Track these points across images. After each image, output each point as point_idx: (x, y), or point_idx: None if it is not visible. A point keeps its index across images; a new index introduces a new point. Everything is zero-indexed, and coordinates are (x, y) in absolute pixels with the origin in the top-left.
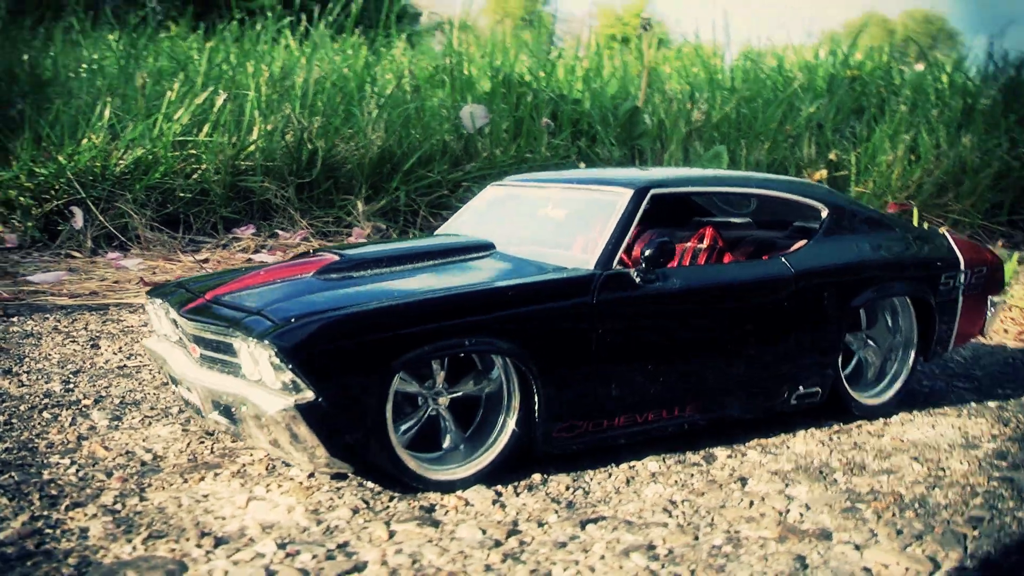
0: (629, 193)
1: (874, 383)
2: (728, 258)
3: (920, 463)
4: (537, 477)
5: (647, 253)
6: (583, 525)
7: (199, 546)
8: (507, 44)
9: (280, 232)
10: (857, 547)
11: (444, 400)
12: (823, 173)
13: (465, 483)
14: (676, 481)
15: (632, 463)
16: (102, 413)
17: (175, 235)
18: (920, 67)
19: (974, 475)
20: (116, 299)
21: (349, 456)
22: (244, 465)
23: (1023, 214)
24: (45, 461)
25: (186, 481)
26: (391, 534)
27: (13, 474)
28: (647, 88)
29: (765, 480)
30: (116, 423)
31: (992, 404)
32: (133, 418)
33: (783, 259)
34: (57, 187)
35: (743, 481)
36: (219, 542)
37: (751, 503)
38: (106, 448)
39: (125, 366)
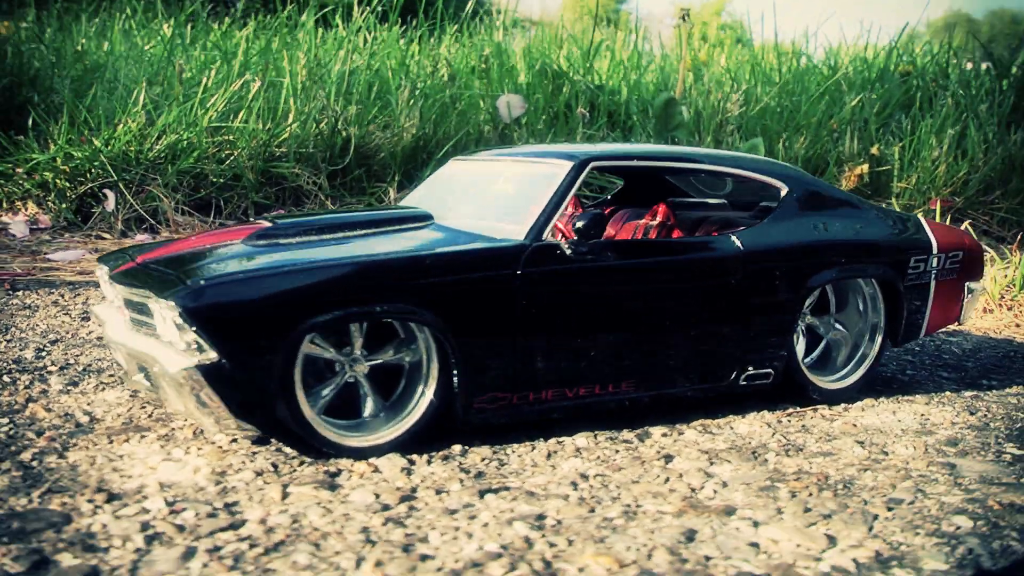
0: (568, 165)
1: (837, 367)
2: (677, 234)
3: (863, 447)
4: (457, 448)
5: (578, 225)
6: (482, 494)
7: (91, 501)
8: (555, 36)
9: None
10: (756, 523)
11: (362, 367)
12: (864, 168)
13: (379, 450)
14: (599, 457)
15: (561, 438)
16: (60, 379)
17: (206, 219)
18: (972, 66)
19: (915, 460)
20: None
21: (254, 419)
22: (174, 429)
23: None
24: None
25: (111, 442)
26: (284, 496)
27: None
28: (684, 80)
29: (692, 458)
30: (70, 388)
31: (968, 394)
32: (88, 384)
33: (732, 237)
34: (92, 170)
35: (668, 458)
36: (112, 498)
37: (667, 479)
38: (47, 410)
39: (103, 337)
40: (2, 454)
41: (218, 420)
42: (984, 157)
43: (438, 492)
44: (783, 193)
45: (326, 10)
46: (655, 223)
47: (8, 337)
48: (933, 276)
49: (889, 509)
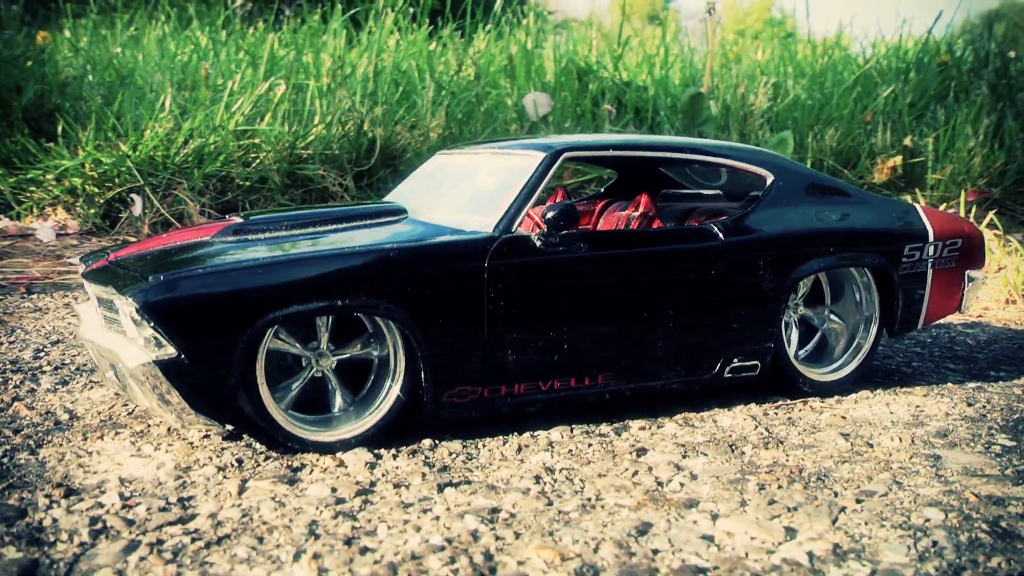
0: (541, 156)
1: (834, 359)
2: (657, 225)
3: (847, 439)
4: (427, 442)
5: (549, 216)
6: (441, 488)
7: (48, 496)
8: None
9: None
10: (715, 516)
11: (329, 362)
12: (897, 160)
13: (345, 445)
14: (570, 450)
15: (536, 431)
16: (52, 378)
17: None
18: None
19: (899, 452)
20: None
21: (215, 414)
22: (150, 426)
23: None
24: None
25: (85, 439)
26: (241, 490)
27: None
28: (712, 75)
29: (666, 451)
30: (58, 387)
31: (971, 385)
32: (77, 383)
33: (714, 227)
34: (119, 175)
35: (642, 452)
36: (70, 493)
37: (635, 473)
38: (30, 408)
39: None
40: None
41: (180, 416)
42: (1022, 147)
43: (397, 486)
44: (769, 182)
45: (355, 10)
46: (637, 214)
47: (12, 338)
48: (930, 264)
49: (859, 502)
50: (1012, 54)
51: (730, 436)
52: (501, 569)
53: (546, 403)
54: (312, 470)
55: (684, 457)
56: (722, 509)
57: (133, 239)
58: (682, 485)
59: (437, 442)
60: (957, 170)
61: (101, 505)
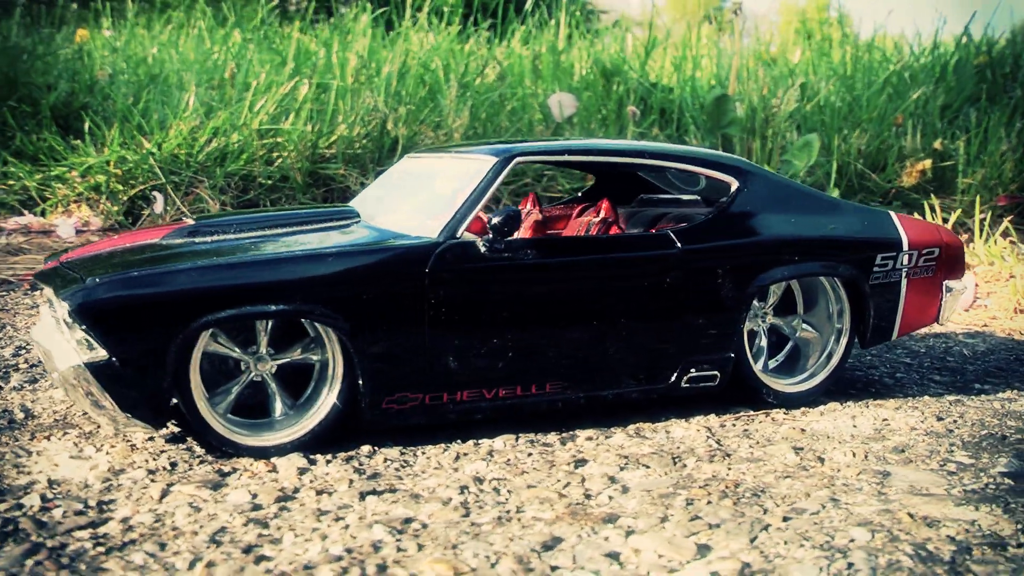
0: (492, 161)
1: (806, 370)
2: (614, 231)
3: (798, 454)
4: (366, 448)
5: (493, 222)
6: (364, 496)
7: None
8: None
9: None
10: (630, 532)
11: (268, 366)
12: (926, 163)
13: (280, 450)
14: (509, 460)
15: (481, 439)
16: (21, 377)
17: None
18: None
19: (848, 468)
20: None
21: (147, 418)
22: (99, 427)
23: None
24: None
25: (33, 438)
26: (164, 495)
27: None
28: (737, 76)
29: (606, 463)
30: (24, 386)
31: (949, 398)
32: (44, 383)
33: (670, 234)
34: (143, 173)
35: (581, 463)
36: None
37: (566, 485)
38: None
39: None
40: None
41: (115, 419)
42: None
43: (320, 493)
44: (733, 188)
45: (383, 9)
46: (597, 220)
47: (0, 335)
48: (904, 274)
49: (786, 519)
50: None
51: (678, 448)
52: None
53: (492, 411)
54: (241, 475)
55: (622, 469)
56: (640, 525)
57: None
58: (610, 499)
59: (376, 449)
60: (989, 174)
61: (20, 507)
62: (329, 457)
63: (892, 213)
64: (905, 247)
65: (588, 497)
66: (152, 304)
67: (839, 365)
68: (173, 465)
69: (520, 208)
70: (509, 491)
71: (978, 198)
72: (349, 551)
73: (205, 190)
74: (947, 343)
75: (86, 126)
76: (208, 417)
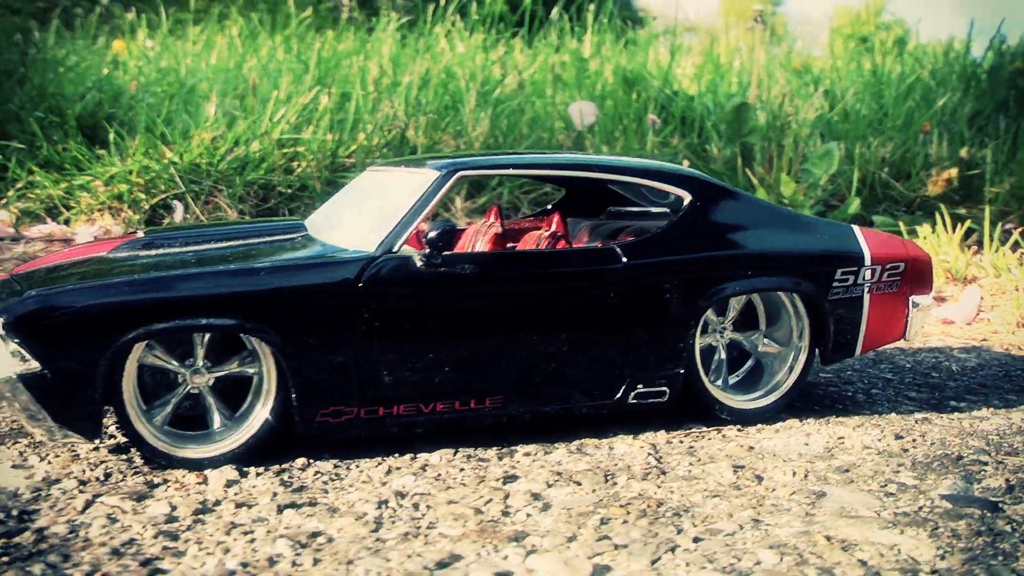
0: (435, 175)
1: (764, 386)
2: (561, 245)
3: (737, 472)
4: (301, 461)
5: (429, 236)
6: (282, 510)
7: None
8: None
9: None
10: (531, 552)
11: (204, 379)
12: (952, 172)
13: (213, 462)
14: (439, 475)
15: (419, 454)
16: None
17: None
18: None
19: (784, 487)
20: None
21: (80, 429)
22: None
23: None
24: None
25: None
26: (87, 506)
27: None
28: (758, 84)
29: (538, 479)
30: None
31: (918, 416)
32: None
33: (616, 248)
34: (163, 182)
35: (512, 479)
36: None
37: (488, 501)
38: None
39: None
40: None
41: (50, 431)
42: None
43: (240, 506)
44: (686, 202)
45: (406, 19)
46: (547, 234)
47: None
48: (866, 289)
49: (697, 540)
50: None
51: (616, 465)
52: None
53: (431, 425)
54: (169, 487)
55: (550, 486)
56: (546, 544)
57: None
58: (528, 516)
59: (311, 462)
60: (1018, 183)
61: None
62: (261, 470)
63: (855, 227)
64: (867, 262)
65: (505, 514)
66: (82, 317)
67: (798, 382)
68: (107, 476)
69: (484, 221)
70: (428, 506)
71: (988, 208)
72: (244, 565)
73: (224, 199)
74: (937, 357)
75: (111, 136)
76: (140, 428)
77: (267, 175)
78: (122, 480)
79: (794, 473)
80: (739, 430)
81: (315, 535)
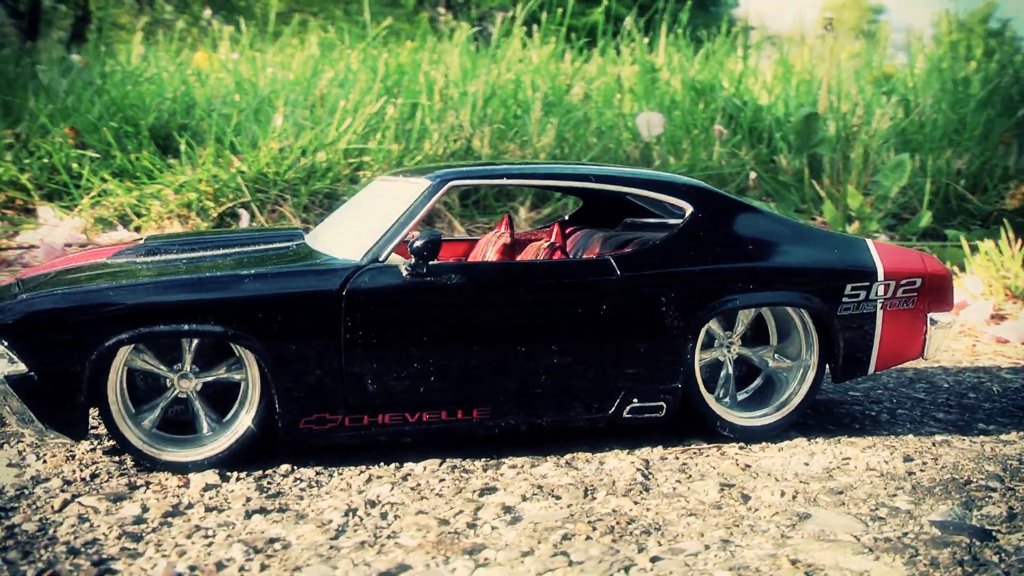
0: (426, 184)
1: (767, 403)
2: (558, 255)
3: (724, 491)
4: (285, 467)
5: (415, 245)
6: (250, 515)
7: None
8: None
9: None
10: (481, 565)
11: (192, 384)
12: None
13: (198, 466)
14: (418, 484)
15: (405, 463)
16: None
17: None
18: None
19: (768, 508)
20: None
21: (68, 430)
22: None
23: None
24: None
25: None
26: (64, 505)
27: None
28: (828, 94)
29: (515, 492)
30: None
31: (937, 438)
32: None
33: (610, 259)
34: (231, 191)
35: (490, 491)
36: None
37: (458, 513)
38: None
39: None
40: None
41: (39, 432)
42: None
43: (210, 510)
44: (688, 213)
45: (479, 28)
46: (546, 245)
47: None
48: (880, 305)
49: (655, 560)
50: None
51: (601, 480)
52: None
53: (418, 435)
54: (148, 489)
55: (526, 500)
56: (500, 558)
57: None
58: (493, 529)
59: (295, 468)
60: None
61: None
62: (244, 475)
63: (869, 241)
64: (880, 277)
65: (471, 527)
66: (65, 320)
67: (805, 400)
68: (94, 476)
69: (495, 231)
70: (396, 516)
71: None
72: (193, 568)
73: (289, 208)
74: (980, 378)
75: (182, 146)
76: (125, 431)
77: (332, 184)
78: (106, 481)
79: (783, 493)
80: (741, 448)
81: (273, 541)
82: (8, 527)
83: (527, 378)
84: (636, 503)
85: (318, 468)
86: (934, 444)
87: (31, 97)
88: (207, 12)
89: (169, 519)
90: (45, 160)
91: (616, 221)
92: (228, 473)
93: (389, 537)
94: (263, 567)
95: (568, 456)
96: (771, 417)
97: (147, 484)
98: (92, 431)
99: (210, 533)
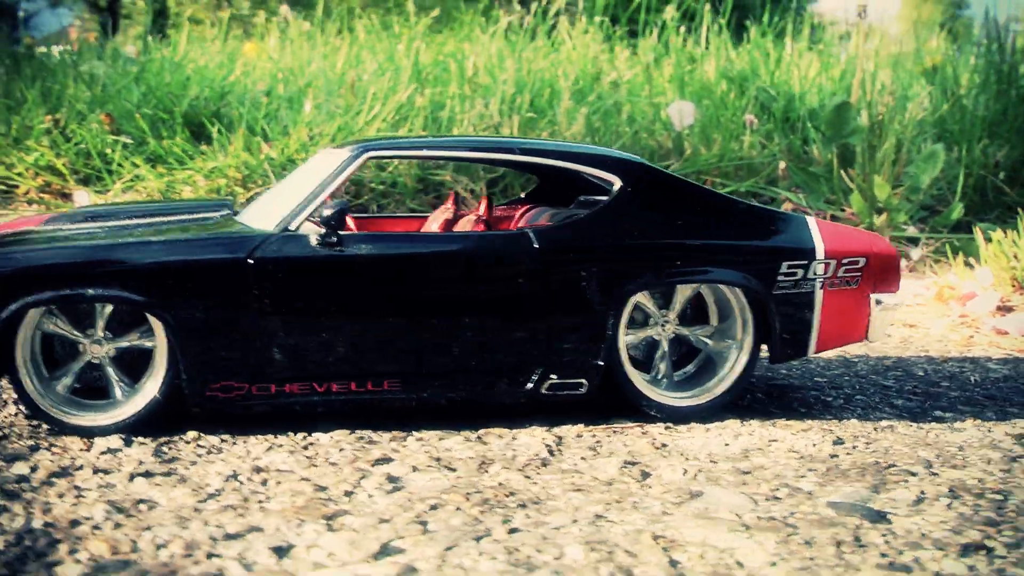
0: (345, 155)
1: (702, 383)
2: (480, 228)
3: (624, 468)
4: (193, 434)
5: (324, 215)
6: (133, 478)
7: None
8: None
9: None
10: (332, 530)
11: (104, 349)
12: None
13: (104, 431)
14: (315, 454)
15: (316, 432)
16: None
17: None
18: None
19: (663, 486)
20: None
21: None
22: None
23: None
24: None
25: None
26: None
27: None
28: (861, 83)
29: (408, 464)
30: None
31: (881, 424)
32: None
33: (529, 232)
34: (259, 176)
35: (384, 461)
36: None
37: (341, 482)
38: None
39: None
40: None
41: None
42: None
43: (97, 471)
44: (616, 187)
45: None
46: (473, 218)
47: None
48: (819, 285)
49: (513, 532)
50: None
51: (503, 455)
52: (52, 553)
53: (327, 405)
54: (48, 451)
55: (416, 471)
56: (356, 524)
57: None
58: (369, 497)
59: (202, 435)
60: None
61: None
62: (149, 440)
63: (810, 219)
64: (820, 255)
65: (349, 495)
66: None
67: (738, 381)
68: (3, 438)
69: (443, 206)
70: (278, 483)
71: None
72: (48, 525)
73: None
74: (964, 367)
75: (214, 132)
76: (32, 394)
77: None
78: (14, 442)
79: (685, 472)
80: (666, 428)
81: (141, 502)
82: None
83: (439, 351)
84: (527, 478)
85: (224, 436)
86: (876, 429)
87: (71, 84)
88: (283, 8)
89: (53, 479)
90: (81, 146)
91: (572, 199)
92: (133, 438)
93: (258, 503)
94: (117, 526)
95: (482, 431)
96: (700, 398)
97: (51, 447)
98: None
99: (84, 493)
